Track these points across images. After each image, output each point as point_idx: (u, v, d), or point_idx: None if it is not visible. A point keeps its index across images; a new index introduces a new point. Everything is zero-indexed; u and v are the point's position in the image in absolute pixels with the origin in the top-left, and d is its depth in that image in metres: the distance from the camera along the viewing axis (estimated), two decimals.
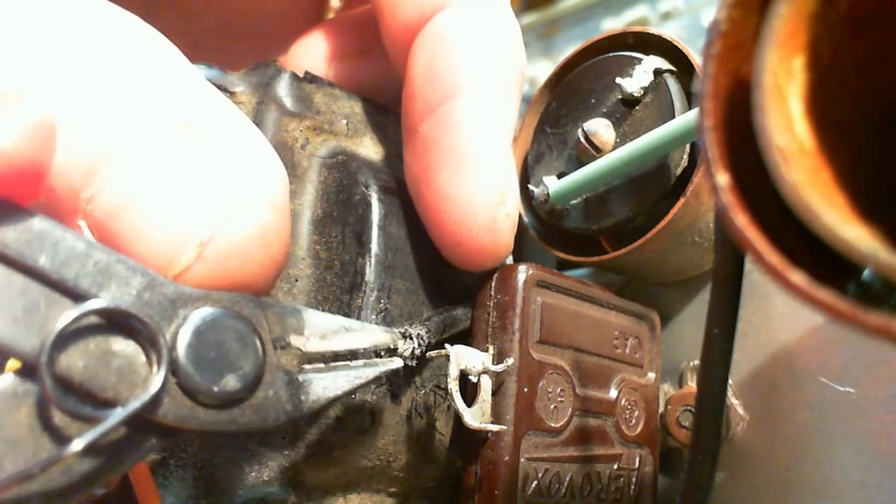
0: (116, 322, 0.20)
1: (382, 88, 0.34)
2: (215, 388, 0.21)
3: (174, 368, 0.20)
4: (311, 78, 0.31)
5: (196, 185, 0.21)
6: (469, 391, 0.29)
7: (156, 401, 0.20)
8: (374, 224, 0.30)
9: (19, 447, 0.18)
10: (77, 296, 0.19)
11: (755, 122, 0.16)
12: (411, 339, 0.28)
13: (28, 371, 0.19)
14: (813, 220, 0.16)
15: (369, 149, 0.33)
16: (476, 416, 0.29)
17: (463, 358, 0.29)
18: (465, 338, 0.31)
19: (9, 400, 0.18)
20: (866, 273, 0.18)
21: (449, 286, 0.32)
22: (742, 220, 0.17)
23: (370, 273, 0.29)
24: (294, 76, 0.31)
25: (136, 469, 0.25)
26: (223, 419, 0.21)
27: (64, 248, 0.19)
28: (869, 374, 0.32)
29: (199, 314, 0.21)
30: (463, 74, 0.29)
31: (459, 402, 0.28)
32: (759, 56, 0.17)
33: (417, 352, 0.28)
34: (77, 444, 0.18)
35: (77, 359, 0.19)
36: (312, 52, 0.35)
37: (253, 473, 0.27)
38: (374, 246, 0.30)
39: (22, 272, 0.19)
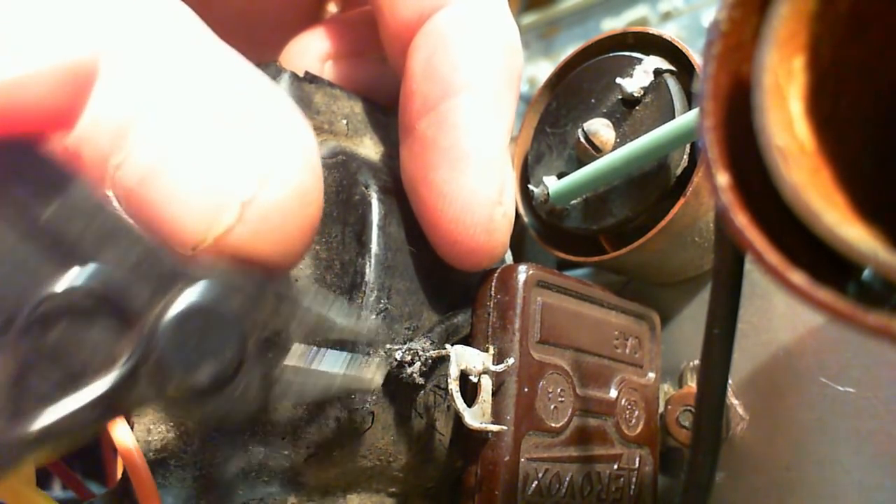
0: (101, 297, 0.19)
1: (377, 90, 0.34)
2: (186, 378, 0.20)
3: (150, 351, 0.19)
4: (311, 78, 0.31)
5: (232, 145, 0.21)
6: (469, 391, 0.29)
7: (125, 383, 0.19)
8: (373, 224, 0.30)
9: None
10: (73, 254, 0.18)
11: (755, 123, 0.16)
12: (418, 356, 0.28)
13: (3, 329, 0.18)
14: (813, 220, 0.16)
15: (369, 149, 0.33)
16: (476, 416, 0.29)
17: (463, 358, 0.29)
18: (466, 338, 0.31)
19: None
20: (866, 273, 0.18)
21: (449, 286, 0.32)
22: (742, 220, 0.17)
23: (370, 273, 0.29)
24: (294, 76, 0.31)
25: (136, 469, 0.25)
26: (187, 409, 0.21)
27: (73, 202, 0.18)
28: (869, 374, 0.32)
29: (190, 296, 0.20)
30: (462, 73, 0.29)
31: (460, 403, 0.28)
32: (759, 56, 0.17)
33: (425, 368, 0.28)
34: (40, 422, 0.18)
35: (55, 329, 0.18)
36: (308, 53, 0.35)
37: (253, 473, 0.27)
38: (374, 246, 0.30)
39: (24, 222, 0.18)
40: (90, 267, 0.19)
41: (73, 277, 0.18)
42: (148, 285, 0.19)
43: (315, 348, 0.24)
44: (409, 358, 0.28)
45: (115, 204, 0.20)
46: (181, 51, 0.21)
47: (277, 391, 0.23)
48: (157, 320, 0.20)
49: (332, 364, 0.25)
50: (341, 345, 0.25)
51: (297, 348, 0.23)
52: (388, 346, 0.29)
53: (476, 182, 0.29)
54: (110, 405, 0.19)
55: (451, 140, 0.29)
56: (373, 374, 0.26)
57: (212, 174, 0.20)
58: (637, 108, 0.35)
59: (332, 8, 0.41)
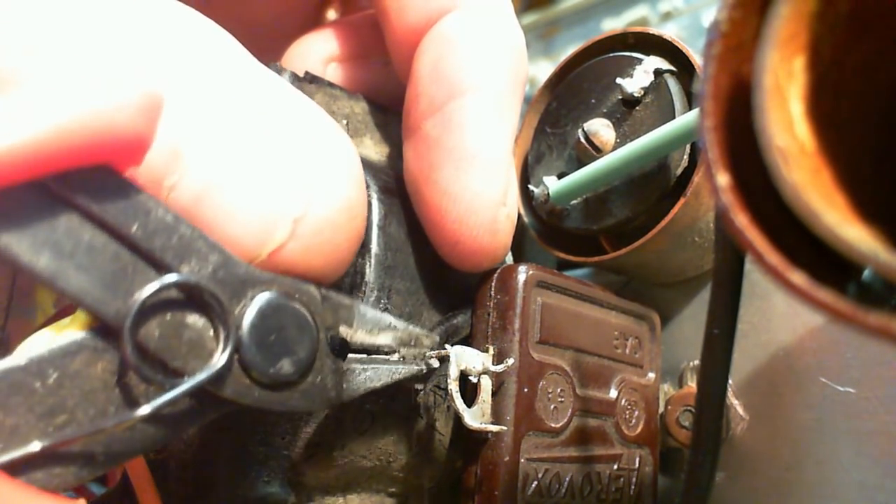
0: (192, 296, 0.21)
1: (379, 93, 0.34)
2: (271, 370, 0.22)
3: (237, 346, 0.21)
4: (311, 78, 0.31)
5: (280, 164, 0.22)
6: (469, 391, 0.29)
7: (220, 376, 0.21)
8: (373, 224, 0.30)
9: (92, 400, 0.19)
10: (160, 267, 0.20)
11: (756, 123, 0.16)
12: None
13: (104, 331, 0.20)
14: (813, 220, 0.16)
15: (369, 149, 0.33)
16: (476, 417, 0.29)
17: (463, 358, 0.29)
18: (466, 339, 0.31)
19: (89, 353, 0.19)
20: (866, 273, 0.18)
21: (449, 286, 0.32)
22: (742, 221, 0.17)
23: (370, 273, 0.29)
24: (294, 76, 0.31)
25: (136, 469, 0.25)
26: (274, 399, 0.22)
27: (154, 219, 0.20)
28: (869, 374, 0.32)
29: (265, 297, 0.22)
30: (468, 75, 0.29)
31: (459, 403, 0.28)
32: (759, 57, 0.17)
33: (424, 370, 0.28)
34: (146, 408, 0.19)
35: (154, 328, 0.20)
36: (311, 55, 0.35)
37: (253, 473, 0.27)
38: (374, 246, 0.30)
39: (116, 238, 0.19)
40: (181, 272, 0.20)
41: (169, 280, 0.20)
42: (230, 287, 0.21)
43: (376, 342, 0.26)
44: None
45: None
46: (222, 72, 0.22)
47: (348, 380, 0.25)
48: (241, 318, 0.21)
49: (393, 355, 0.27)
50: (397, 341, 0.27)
51: (360, 342, 0.25)
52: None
53: (480, 182, 0.29)
54: (210, 396, 0.21)
55: (457, 140, 0.29)
56: (429, 361, 0.28)
57: (263, 193, 0.21)
58: (637, 108, 0.35)
59: (331, 15, 0.41)
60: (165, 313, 0.20)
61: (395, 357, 0.27)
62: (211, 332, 0.21)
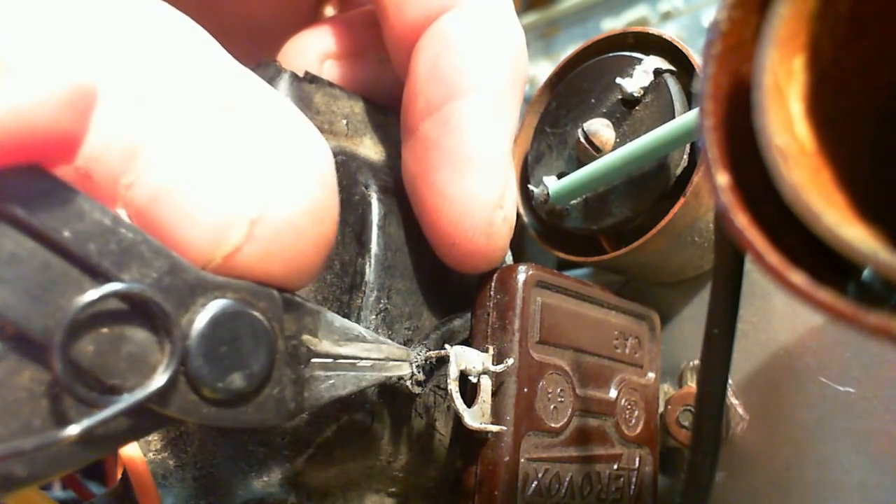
0: (134, 306, 0.19)
1: (376, 91, 0.34)
2: (221, 385, 0.20)
3: (184, 359, 0.19)
4: (311, 78, 0.31)
5: (241, 164, 0.21)
6: (469, 392, 0.29)
7: (163, 393, 0.19)
8: (373, 224, 0.30)
9: (15, 412, 0.17)
10: (97, 275, 0.18)
11: (755, 123, 0.16)
12: (412, 366, 0.28)
13: (29, 346, 0.18)
14: (813, 220, 0.16)
15: (369, 149, 0.33)
16: (476, 417, 0.29)
17: (463, 358, 0.29)
18: (464, 342, 0.31)
19: (15, 361, 0.18)
20: (866, 273, 0.18)
21: (449, 286, 0.32)
22: (742, 221, 0.17)
23: (370, 273, 0.29)
24: (294, 76, 0.31)
25: (136, 469, 0.25)
26: (225, 415, 0.21)
27: (89, 222, 0.18)
28: (869, 374, 0.32)
29: (218, 304, 0.20)
30: (467, 76, 0.29)
31: (459, 403, 0.28)
32: (759, 56, 0.17)
33: (421, 378, 0.28)
34: (74, 429, 0.18)
35: (89, 343, 0.18)
36: (307, 53, 0.35)
37: (253, 473, 0.27)
38: (374, 246, 0.30)
39: (45, 245, 0.18)
40: (121, 279, 0.19)
41: (106, 290, 0.18)
42: (178, 295, 0.19)
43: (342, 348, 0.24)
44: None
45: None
46: (188, 68, 0.21)
47: (311, 389, 0.23)
48: (190, 328, 0.20)
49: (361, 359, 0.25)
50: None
51: (325, 352, 0.23)
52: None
53: (477, 185, 0.29)
54: (151, 413, 0.19)
55: (454, 142, 0.29)
56: (401, 365, 0.26)
57: (220, 192, 0.20)
58: (637, 108, 0.35)
59: (328, 12, 0.41)
60: (102, 326, 0.18)
61: (363, 363, 0.25)
62: (154, 345, 0.19)
